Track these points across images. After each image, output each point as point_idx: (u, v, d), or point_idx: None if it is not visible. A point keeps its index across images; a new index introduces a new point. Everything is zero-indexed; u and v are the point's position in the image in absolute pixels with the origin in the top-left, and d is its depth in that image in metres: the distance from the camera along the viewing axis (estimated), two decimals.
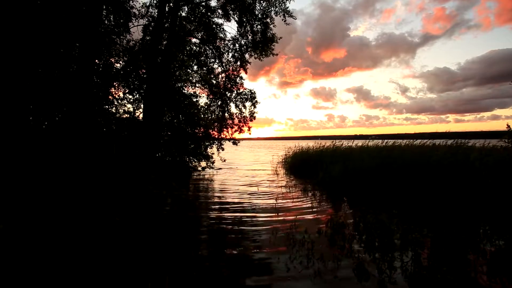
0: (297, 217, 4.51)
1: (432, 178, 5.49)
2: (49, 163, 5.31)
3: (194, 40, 10.75)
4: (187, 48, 10.48)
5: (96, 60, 7.52)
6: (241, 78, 11.35)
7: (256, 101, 11.49)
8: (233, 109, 11.63)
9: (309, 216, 4.56)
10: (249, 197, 6.11)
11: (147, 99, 8.70)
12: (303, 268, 2.70)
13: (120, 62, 8.84)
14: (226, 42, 10.91)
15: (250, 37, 10.44)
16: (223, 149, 11.84)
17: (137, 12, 9.42)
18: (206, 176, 9.88)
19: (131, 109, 9.34)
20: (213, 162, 11.05)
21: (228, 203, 5.58)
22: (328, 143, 11.33)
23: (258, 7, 9.83)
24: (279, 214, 4.71)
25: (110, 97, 8.36)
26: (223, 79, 11.32)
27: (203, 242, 3.46)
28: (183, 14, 10.20)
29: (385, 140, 8.87)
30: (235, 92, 11.47)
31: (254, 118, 11.61)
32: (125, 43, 8.94)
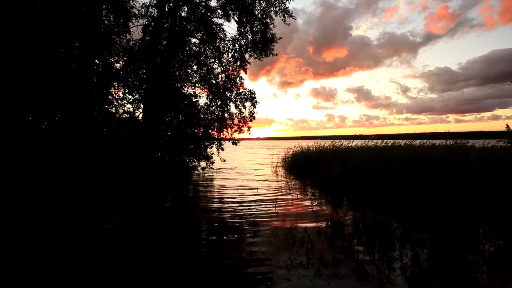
0: (297, 216, 4.51)
1: (432, 178, 5.49)
2: (48, 163, 5.31)
3: (194, 40, 10.76)
4: (187, 48, 10.47)
5: (96, 60, 7.51)
6: (241, 78, 11.37)
7: (256, 101, 11.50)
8: (232, 109, 11.64)
9: (309, 216, 4.56)
10: (249, 197, 6.11)
11: (147, 99, 8.70)
12: (303, 268, 2.70)
13: (120, 62, 8.84)
14: (226, 42, 10.93)
15: (250, 37, 10.45)
16: (222, 149, 11.83)
17: (137, 12, 9.42)
18: (205, 176, 9.88)
19: (131, 109, 9.33)
20: (212, 162, 11.05)
21: (227, 202, 5.58)
22: (328, 143, 11.34)
23: (258, 7, 9.83)
24: (279, 213, 4.71)
25: (110, 97, 8.35)
26: (223, 79, 11.32)
27: (203, 241, 3.46)
28: (183, 14, 10.21)
29: (385, 140, 8.88)
30: (235, 92, 11.47)
31: (254, 118, 11.61)
32: (125, 43, 8.95)
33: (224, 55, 11.04)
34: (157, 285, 2.32)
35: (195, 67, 10.74)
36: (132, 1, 8.68)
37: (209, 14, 10.27)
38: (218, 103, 11.43)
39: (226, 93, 11.34)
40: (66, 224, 3.78)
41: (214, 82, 11.01)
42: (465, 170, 5.12)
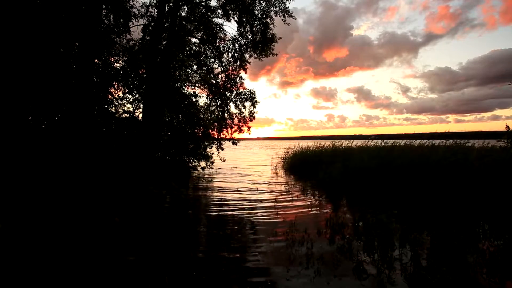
0: (297, 217, 4.51)
1: (432, 178, 5.50)
2: (48, 163, 5.31)
3: (194, 40, 10.74)
4: (187, 48, 10.46)
5: (96, 60, 7.50)
6: (241, 78, 11.36)
7: (256, 101, 11.49)
8: (232, 109, 11.64)
9: (309, 216, 4.57)
10: (249, 197, 6.11)
11: (146, 99, 8.69)
12: (303, 268, 2.70)
13: (120, 61, 8.82)
14: (226, 42, 10.92)
15: (250, 37, 10.44)
16: (222, 149, 11.83)
17: (137, 12, 9.40)
18: (205, 176, 9.88)
19: (131, 109, 9.32)
20: (212, 162, 11.05)
21: (227, 202, 5.58)
22: (327, 143, 11.34)
23: (258, 7, 9.83)
24: (279, 213, 4.72)
25: (109, 97, 8.34)
26: (223, 79, 11.31)
27: (203, 241, 3.46)
28: (183, 14, 10.19)
29: (385, 140, 8.89)
30: (235, 92, 11.47)
31: (254, 118, 11.61)
32: (125, 42, 8.93)
33: (224, 55, 11.04)
34: (157, 285, 2.33)
35: (195, 67, 10.74)
36: (132, 1, 8.66)
37: (209, 14, 10.26)
38: (218, 103, 11.43)
39: (226, 93, 11.33)
40: (66, 224, 3.78)
41: (214, 82, 11.00)
42: (465, 170, 5.13)
